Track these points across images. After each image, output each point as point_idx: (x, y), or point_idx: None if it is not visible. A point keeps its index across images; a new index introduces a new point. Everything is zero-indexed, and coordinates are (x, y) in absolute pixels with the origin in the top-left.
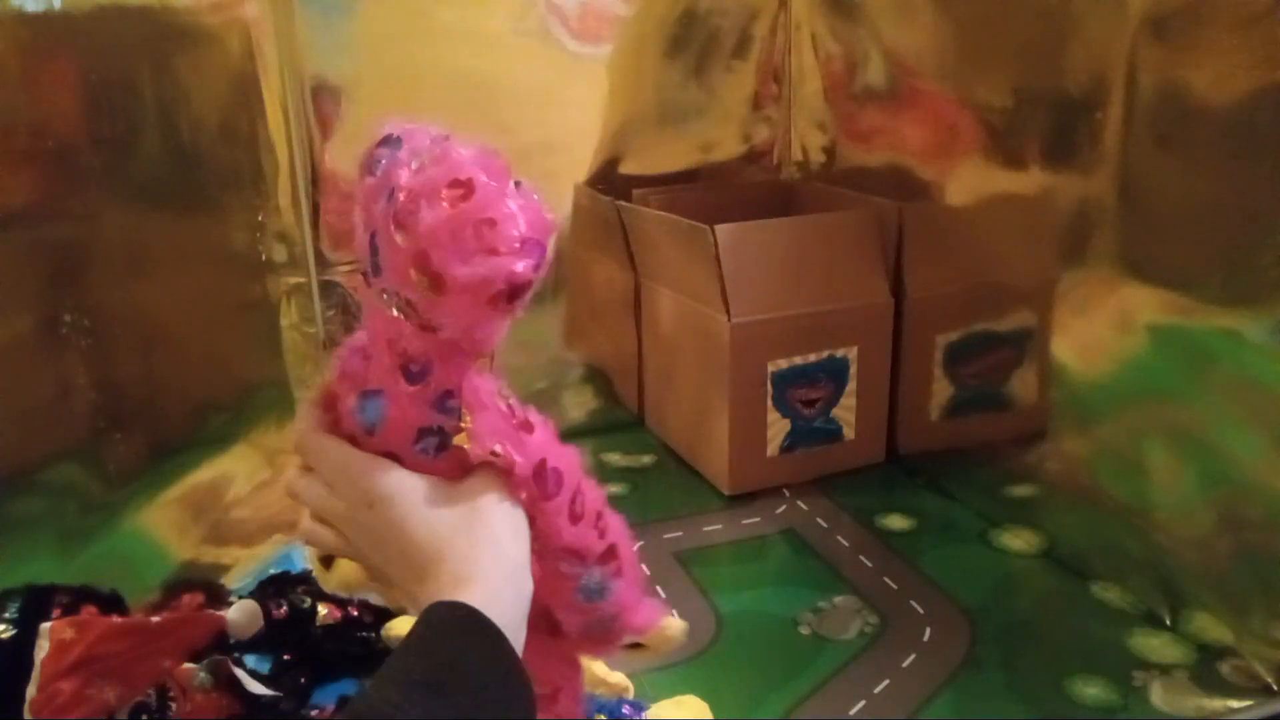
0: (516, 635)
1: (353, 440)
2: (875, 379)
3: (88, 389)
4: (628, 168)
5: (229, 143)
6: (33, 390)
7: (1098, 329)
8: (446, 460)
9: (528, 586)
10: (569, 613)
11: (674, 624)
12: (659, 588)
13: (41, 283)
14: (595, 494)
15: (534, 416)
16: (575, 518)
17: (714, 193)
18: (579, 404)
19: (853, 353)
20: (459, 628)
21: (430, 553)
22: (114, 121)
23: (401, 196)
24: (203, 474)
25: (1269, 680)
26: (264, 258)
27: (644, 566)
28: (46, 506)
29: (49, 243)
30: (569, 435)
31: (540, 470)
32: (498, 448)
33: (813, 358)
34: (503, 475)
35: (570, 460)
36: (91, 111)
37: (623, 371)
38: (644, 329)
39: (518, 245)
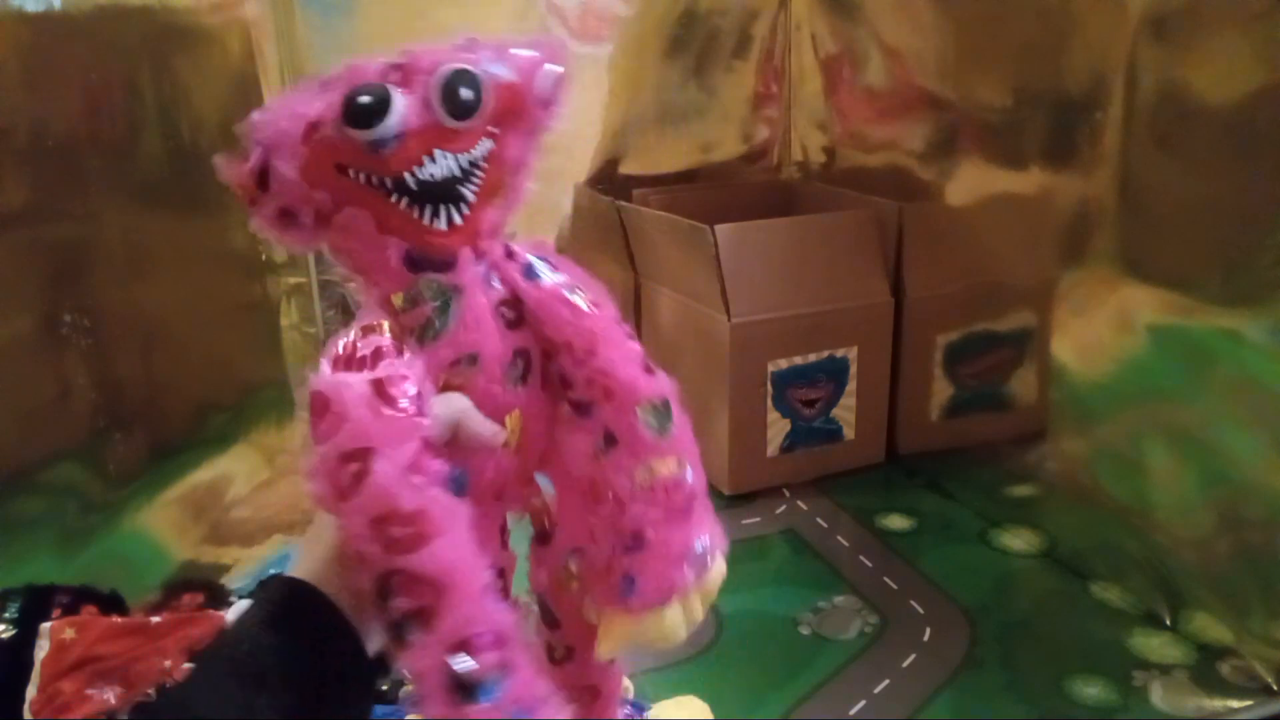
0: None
1: None
2: (875, 379)
3: (88, 389)
4: (628, 168)
5: (229, 143)
6: (33, 390)
7: (1098, 329)
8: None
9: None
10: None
11: (673, 615)
12: None
13: (41, 283)
14: (406, 496)
15: (403, 359)
16: (341, 490)
17: (714, 193)
18: None
19: (853, 353)
20: (284, 607)
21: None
22: (114, 121)
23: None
24: (203, 474)
25: (1269, 680)
26: (264, 258)
27: None
28: (46, 506)
29: (49, 243)
30: None
31: (315, 405)
32: None
33: (813, 358)
34: None
35: (381, 428)
36: (91, 111)
37: None
38: (644, 329)
39: (246, 140)
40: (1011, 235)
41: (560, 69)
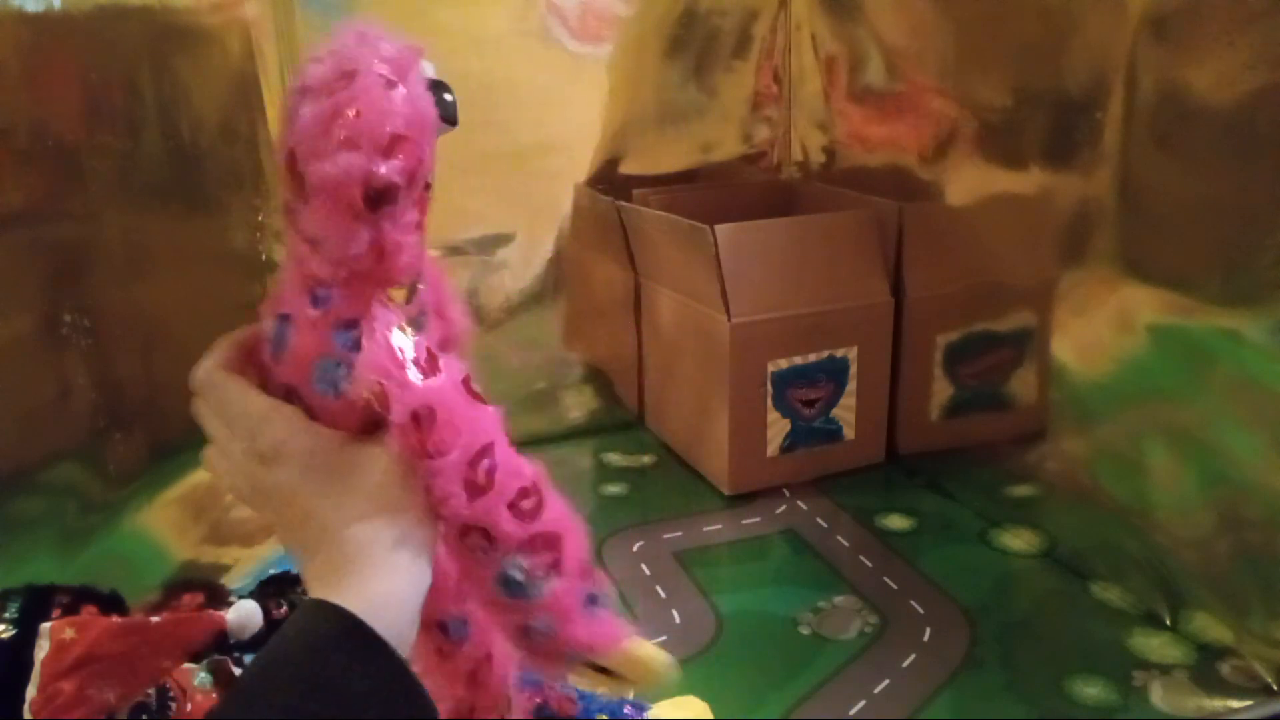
0: (406, 635)
1: (264, 372)
2: (875, 379)
3: (88, 389)
4: (628, 168)
5: (229, 143)
6: (33, 390)
7: (1098, 329)
8: (344, 403)
9: (420, 576)
10: (491, 608)
11: (653, 654)
12: (659, 588)
13: (41, 283)
14: (520, 469)
15: (451, 362)
16: (475, 487)
17: (714, 193)
18: (579, 404)
19: (853, 353)
20: (339, 642)
21: (315, 527)
22: (114, 121)
23: (292, 91)
24: (203, 474)
25: (1269, 680)
26: (264, 258)
27: (644, 567)
28: (46, 506)
29: (49, 243)
30: (569, 435)
31: (421, 417)
32: (376, 386)
33: (813, 358)
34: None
35: (478, 419)
36: (91, 111)
37: (623, 371)
38: (644, 329)
39: (384, 142)
40: (1011, 235)
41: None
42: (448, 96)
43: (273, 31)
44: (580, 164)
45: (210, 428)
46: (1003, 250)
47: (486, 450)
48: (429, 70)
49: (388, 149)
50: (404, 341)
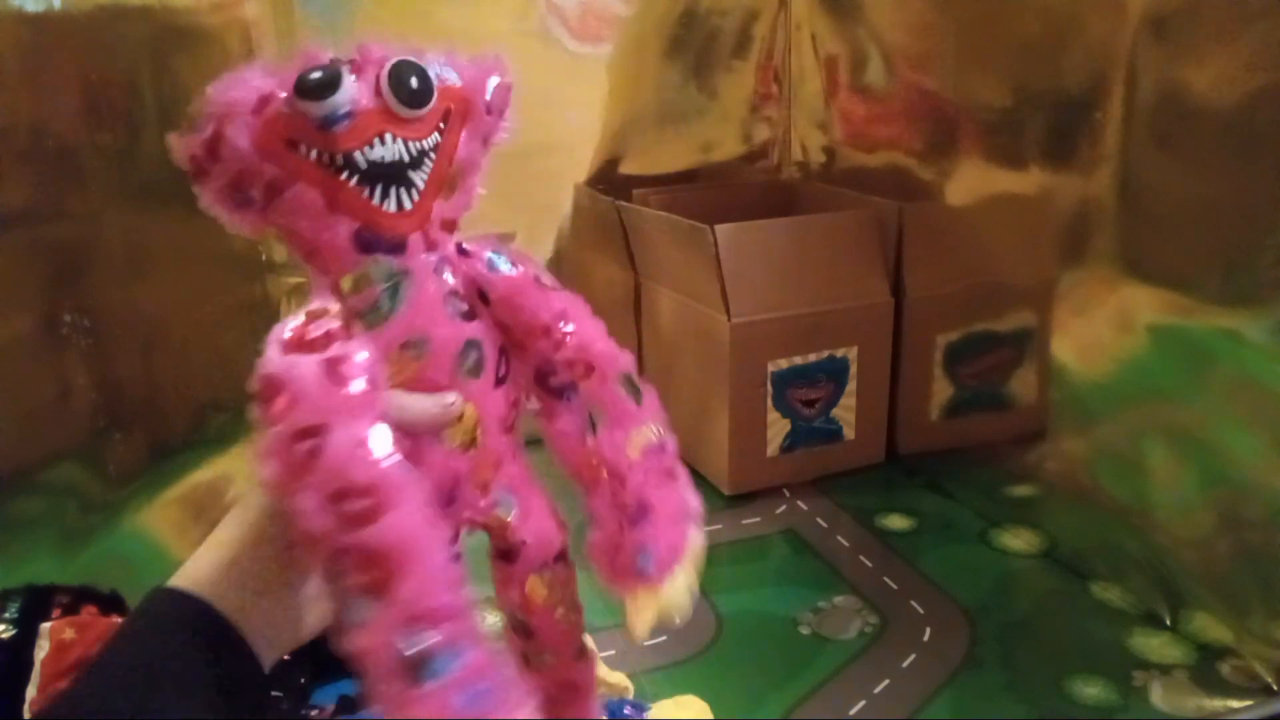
0: (231, 596)
1: None
2: (875, 379)
3: (88, 389)
4: (628, 168)
5: None
6: (33, 390)
7: (1098, 329)
8: None
9: (249, 540)
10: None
11: (683, 580)
12: None
13: (41, 283)
14: (354, 465)
15: (346, 346)
16: (293, 466)
17: (714, 193)
18: None
19: (853, 353)
20: (170, 619)
21: None
22: (114, 121)
23: None
24: (203, 474)
25: (1269, 680)
26: (264, 258)
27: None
28: (46, 506)
29: (49, 243)
30: None
31: (262, 388)
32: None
33: (813, 358)
34: None
35: (321, 399)
36: (91, 111)
37: None
38: (644, 329)
39: (199, 117)
40: (1011, 235)
41: (506, 81)
42: (314, 74)
43: (273, 31)
44: (580, 164)
45: None
46: (1003, 250)
47: (316, 431)
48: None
49: (201, 125)
50: (303, 320)
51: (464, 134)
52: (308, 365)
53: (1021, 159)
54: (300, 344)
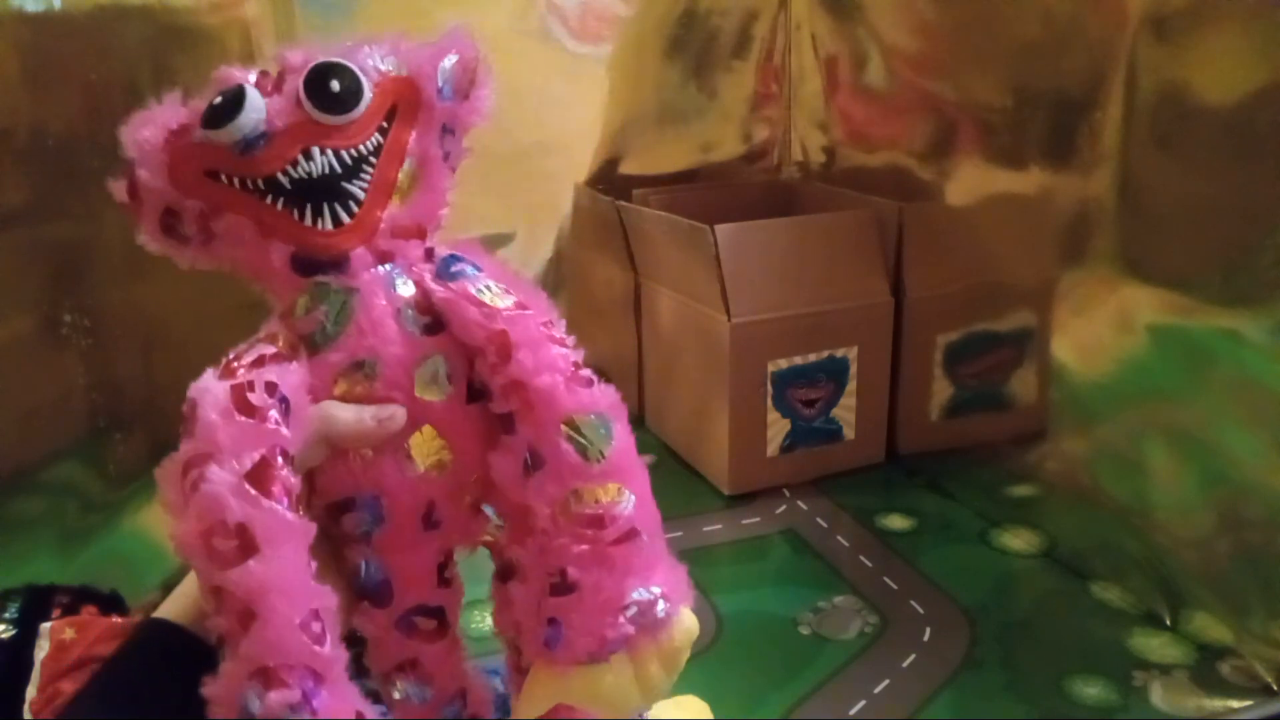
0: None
1: None
2: (875, 379)
3: (88, 389)
4: (628, 168)
5: None
6: (33, 390)
7: (1098, 329)
8: None
9: None
10: None
11: (615, 678)
12: None
13: (41, 283)
14: (224, 501)
15: (264, 373)
16: (180, 496)
17: (714, 193)
18: None
19: (853, 353)
20: (152, 645)
21: None
22: (114, 121)
23: None
24: None
25: (1269, 680)
26: None
27: None
28: (46, 506)
29: (49, 243)
30: None
31: (184, 412)
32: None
33: (813, 358)
34: None
35: (216, 428)
36: (91, 111)
37: (622, 371)
38: (644, 329)
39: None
40: (1011, 235)
41: (463, 56)
42: (215, 100)
43: (273, 31)
44: (580, 164)
45: None
46: (1003, 250)
47: (201, 460)
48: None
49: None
50: (243, 346)
51: (415, 129)
52: (215, 390)
53: (1021, 159)
54: (227, 367)
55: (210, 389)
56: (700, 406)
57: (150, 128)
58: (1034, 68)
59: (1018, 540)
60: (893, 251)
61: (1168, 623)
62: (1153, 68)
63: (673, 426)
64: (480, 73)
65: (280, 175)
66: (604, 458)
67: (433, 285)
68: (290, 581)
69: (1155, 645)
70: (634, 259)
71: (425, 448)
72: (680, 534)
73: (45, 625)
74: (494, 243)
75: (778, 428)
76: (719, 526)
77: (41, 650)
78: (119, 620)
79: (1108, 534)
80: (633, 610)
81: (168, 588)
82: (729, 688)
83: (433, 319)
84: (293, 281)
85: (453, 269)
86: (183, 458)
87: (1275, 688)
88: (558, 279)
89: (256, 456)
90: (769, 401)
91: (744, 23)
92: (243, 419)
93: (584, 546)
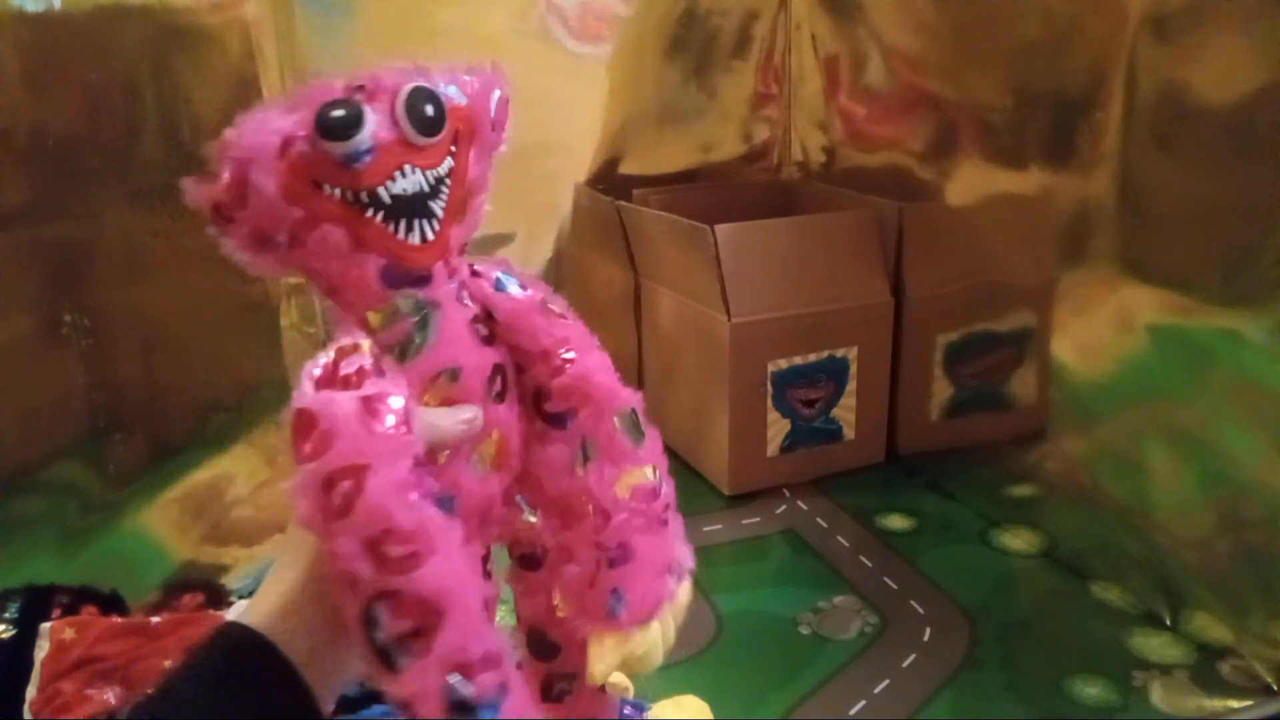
0: (294, 642)
1: None
2: (875, 379)
3: (88, 389)
4: (628, 168)
5: None
6: (33, 390)
7: (1098, 329)
8: None
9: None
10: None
11: (657, 631)
12: None
13: (41, 283)
14: (396, 511)
15: (379, 383)
16: (329, 508)
17: (714, 193)
18: None
19: (853, 353)
20: (229, 652)
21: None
22: (114, 121)
23: None
24: (203, 474)
25: (1269, 680)
26: None
27: None
28: (46, 506)
29: (49, 243)
30: None
31: (296, 423)
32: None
33: (813, 358)
34: None
35: (360, 440)
36: (91, 111)
37: (622, 371)
38: (644, 329)
39: (219, 159)
40: (1011, 235)
41: (506, 94)
42: (335, 112)
43: (273, 31)
44: (580, 164)
45: None
46: (1003, 250)
47: (353, 472)
48: (408, 88)
49: (220, 168)
50: (335, 355)
51: (472, 154)
52: (345, 402)
53: (1021, 159)
54: (334, 380)
55: (337, 400)
56: (700, 406)
57: (265, 133)
58: (1034, 68)
59: (1018, 540)
60: (893, 251)
61: (1168, 623)
62: (1153, 68)
63: (673, 426)
64: (510, 108)
65: (380, 190)
66: (644, 444)
67: (497, 298)
68: (467, 577)
69: (1155, 645)
70: (634, 259)
71: (489, 449)
72: None
73: (45, 625)
74: (494, 243)
75: (778, 428)
76: (719, 526)
77: (41, 650)
78: (119, 620)
79: (1108, 534)
80: (674, 571)
81: (168, 587)
82: (729, 688)
83: (490, 330)
84: (378, 294)
85: (511, 283)
86: (324, 470)
87: (1275, 688)
88: (558, 279)
89: (405, 464)
90: (769, 401)
91: (744, 23)
92: (382, 429)
93: (640, 520)
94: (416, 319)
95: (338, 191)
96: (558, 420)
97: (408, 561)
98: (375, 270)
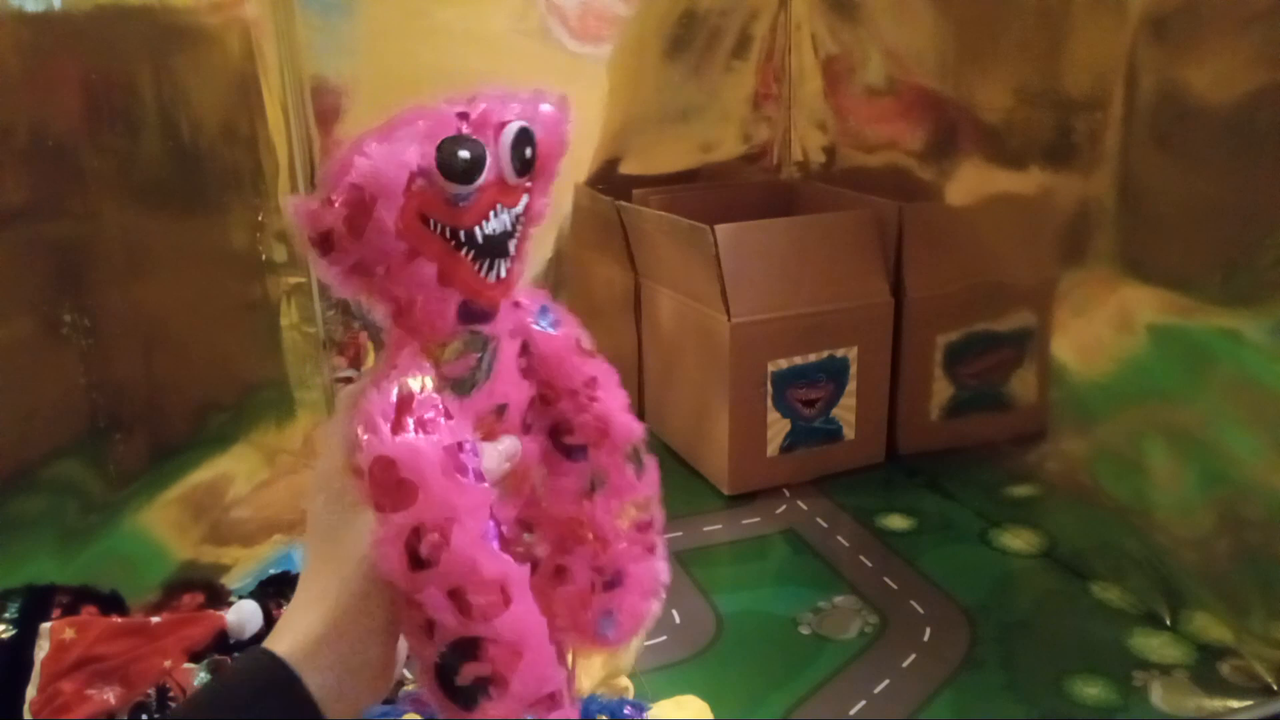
0: (340, 684)
1: None
2: (875, 379)
3: (88, 389)
4: (628, 168)
5: (229, 143)
6: (33, 390)
7: (1098, 329)
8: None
9: (364, 628)
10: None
11: (634, 647)
12: None
13: (41, 283)
14: (481, 562)
15: (457, 429)
16: (415, 558)
17: (714, 193)
18: None
19: (853, 353)
20: (254, 681)
21: (308, 561)
22: (114, 121)
23: None
24: (203, 474)
25: (1269, 680)
26: (264, 258)
27: None
28: (46, 506)
29: (49, 243)
30: None
31: (378, 469)
32: (357, 433)
33: (813, 358)
34: None
35: (448, 491)
36: (91, 111)
37: (622, 371)
38: (644, 329)
39: (333, 186)
40: (1011, 235)
41: (569, 128)
42: (462, 153)
43: (273, 31)
44: (580, 164)
45: None
46: (1003, 250)
47: (440, 525)
48: (515, 122)
49: (333, 195)
50: (406, 393)
51: (541, 190)
52: (430, 453)
53: (1021, 159)
54: (405, 421)
55: (422, 453)
56: (700, 406)
57: (394, 166)
58: (1034, 68)
59: (1018, 540)
60: (893, 251)
61: (1168, 623)
62: (1153, 68)
63: (673, 426)
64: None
65: (476, 229)
66: (644, 476)
67: (538, 333)
68: (540, 619)
69: (1155, 645)
70: (634, 259)
71: (515, 476)
72: (680, 534)
73: (45, 625)
74: None
75: (778, 428)
76: (719, 526)
77: (41, 650)
78: (119, 620)
79: (1108, 534)
80: (658, 592)
81: (168, 587)
82: (729, 688)
83: (527, 364)
84: (451, 328)
85: (552, 317)
86: (411, 522)
87: (1275, 688)
88: (558, 279)
89: (486, 514)
90: (769, 401)
91: (744, 23)
92: (464, 480)
93: (636, 548)
94: (480, 355)
95: (440, 228)
96: (574, 453)
97: (491, 609)
98: (455, 306)
